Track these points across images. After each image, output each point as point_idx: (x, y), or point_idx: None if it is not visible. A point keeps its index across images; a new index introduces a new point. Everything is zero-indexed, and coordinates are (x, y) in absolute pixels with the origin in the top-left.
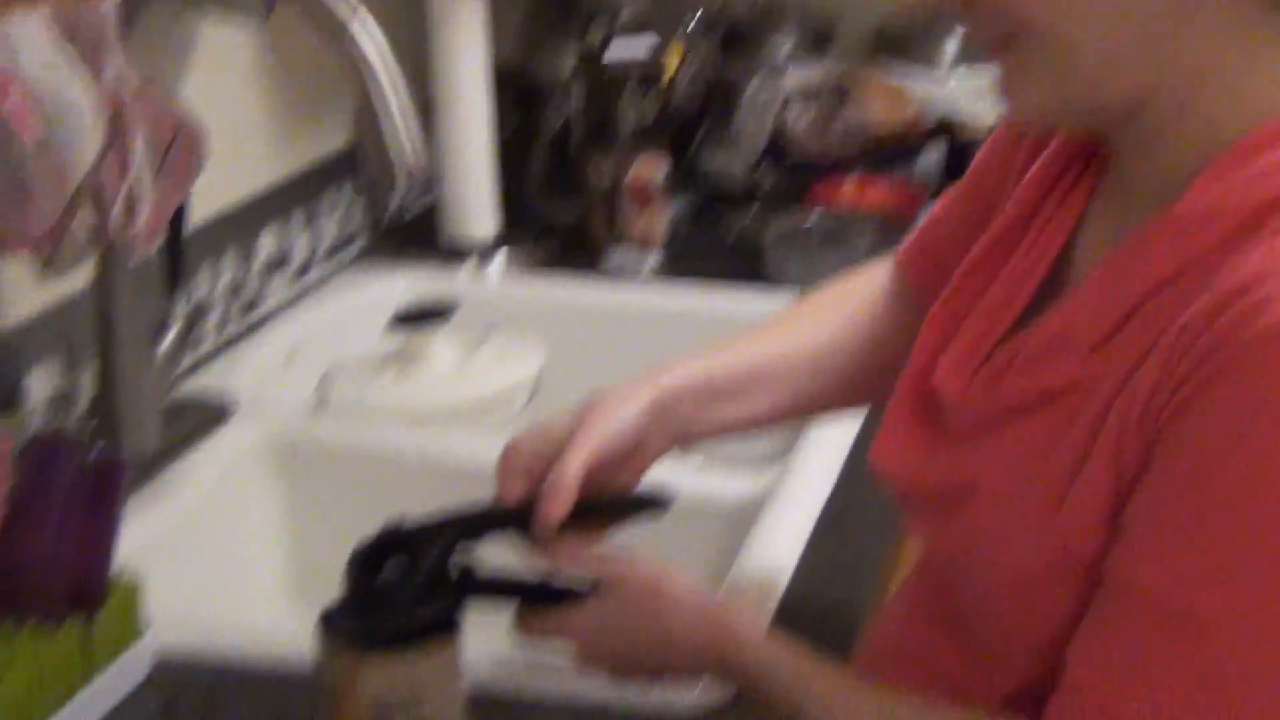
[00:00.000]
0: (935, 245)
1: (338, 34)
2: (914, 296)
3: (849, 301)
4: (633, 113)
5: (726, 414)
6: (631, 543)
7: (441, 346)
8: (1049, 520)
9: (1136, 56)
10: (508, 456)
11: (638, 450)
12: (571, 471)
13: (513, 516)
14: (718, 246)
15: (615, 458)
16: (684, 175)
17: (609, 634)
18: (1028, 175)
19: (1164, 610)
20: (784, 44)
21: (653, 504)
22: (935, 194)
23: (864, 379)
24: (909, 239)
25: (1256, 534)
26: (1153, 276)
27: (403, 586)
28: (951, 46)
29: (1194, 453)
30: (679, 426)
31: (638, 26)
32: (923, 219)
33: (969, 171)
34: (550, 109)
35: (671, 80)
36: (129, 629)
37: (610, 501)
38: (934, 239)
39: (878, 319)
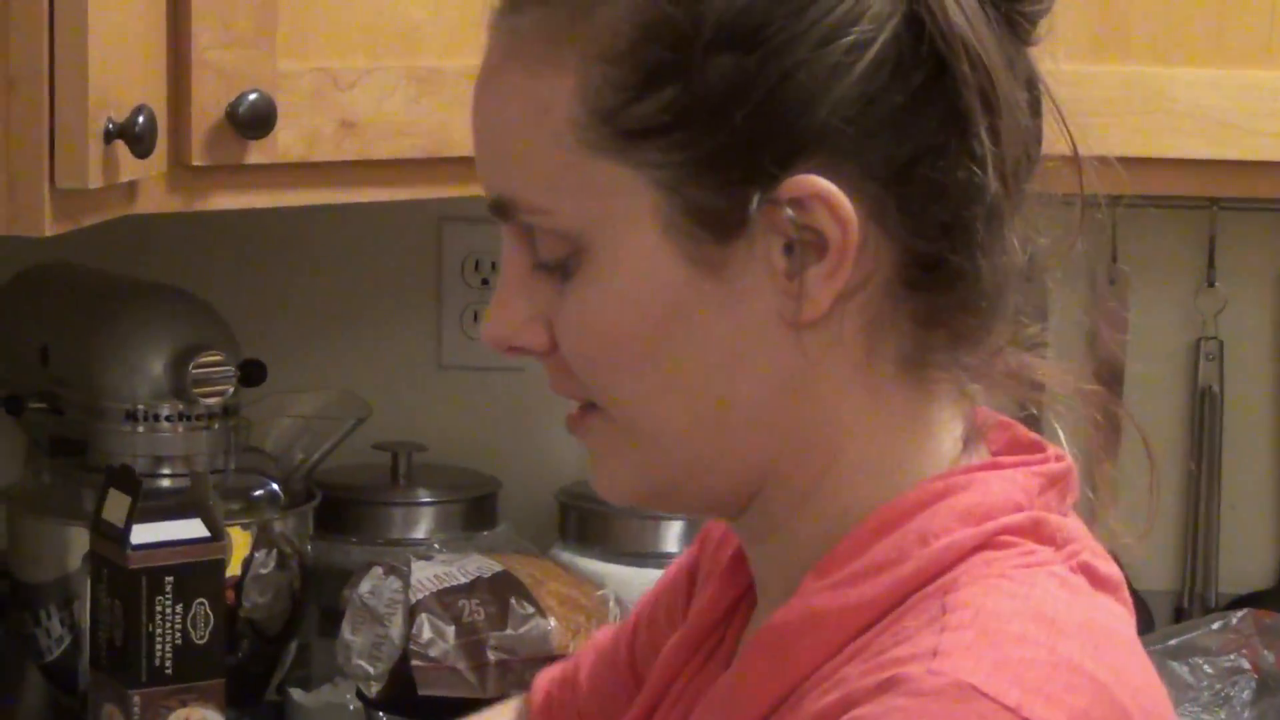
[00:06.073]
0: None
1: None
2: None
3: None
4: (172, 631)
5: None
6: None
7: None
8: None
9: (732, 438)
10: None
11: None
12: None
13: None
14: None
15: None
16: None
17: None
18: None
19: None
20: (419, 517)
21: None
22: None
23: None
24: (543, 690)
25: None
26: (754, 709)
27: None
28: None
29: None
30: None
31: (181, 500)
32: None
33: (626, 624)
34: (45, 623)
35: (238, 580)
36: None
37: None
38: (566, 710)
39: None
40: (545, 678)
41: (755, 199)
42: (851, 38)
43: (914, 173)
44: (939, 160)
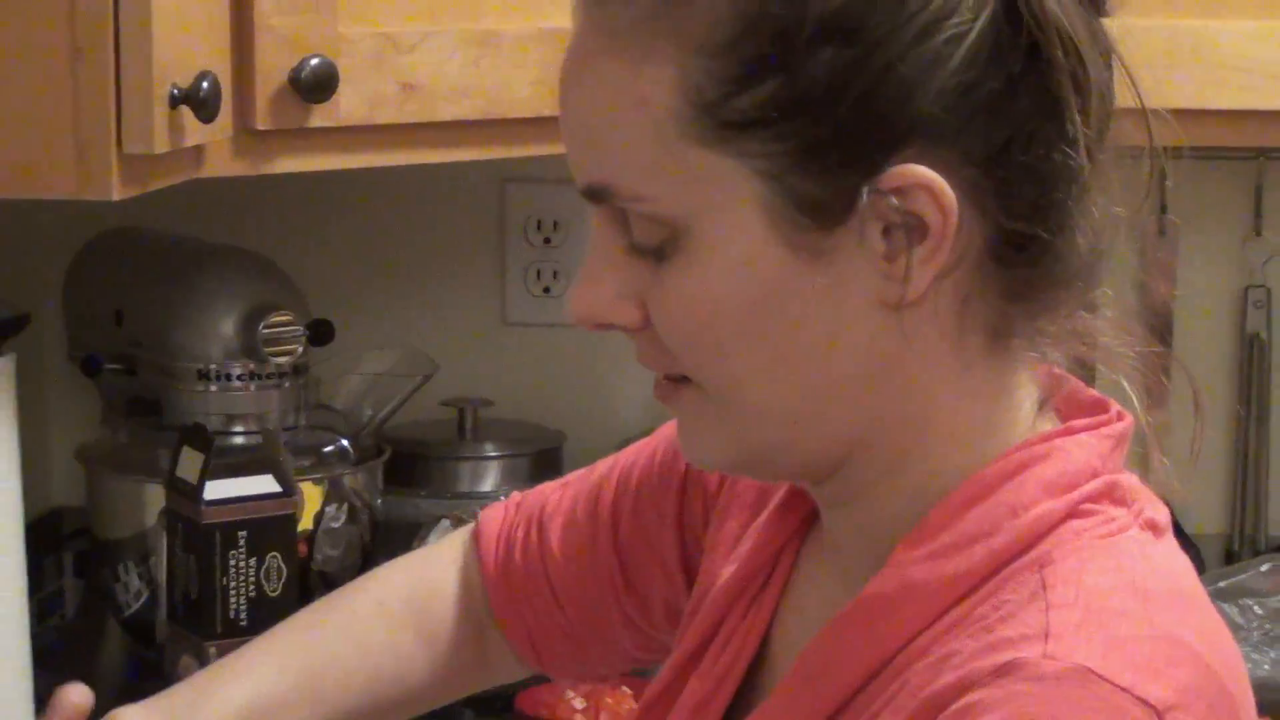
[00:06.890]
0: (533, 584)
1: None
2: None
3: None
4: (246, 584)
5: None
6: None
7: None
8: None
9: (827, 413)
10: None
11: None
12: None
13: None
14: None
15: None
16: None
17: None
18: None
19: None
20: (486, 471)
21: None
22: None
23: None
24: (494, 547)
25: None
26: (851, 676)
27: None
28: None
29: None
30: None
31: (253, 457)
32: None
33: (599, 503)
34: (124, 578)
35: (310, 534)
36: None
37: None
38: (533, 577)
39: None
40: (492, 532)
41: (864, 190)
42: (950, 28)
43: (1009, 156)
44: (1033, 143)
